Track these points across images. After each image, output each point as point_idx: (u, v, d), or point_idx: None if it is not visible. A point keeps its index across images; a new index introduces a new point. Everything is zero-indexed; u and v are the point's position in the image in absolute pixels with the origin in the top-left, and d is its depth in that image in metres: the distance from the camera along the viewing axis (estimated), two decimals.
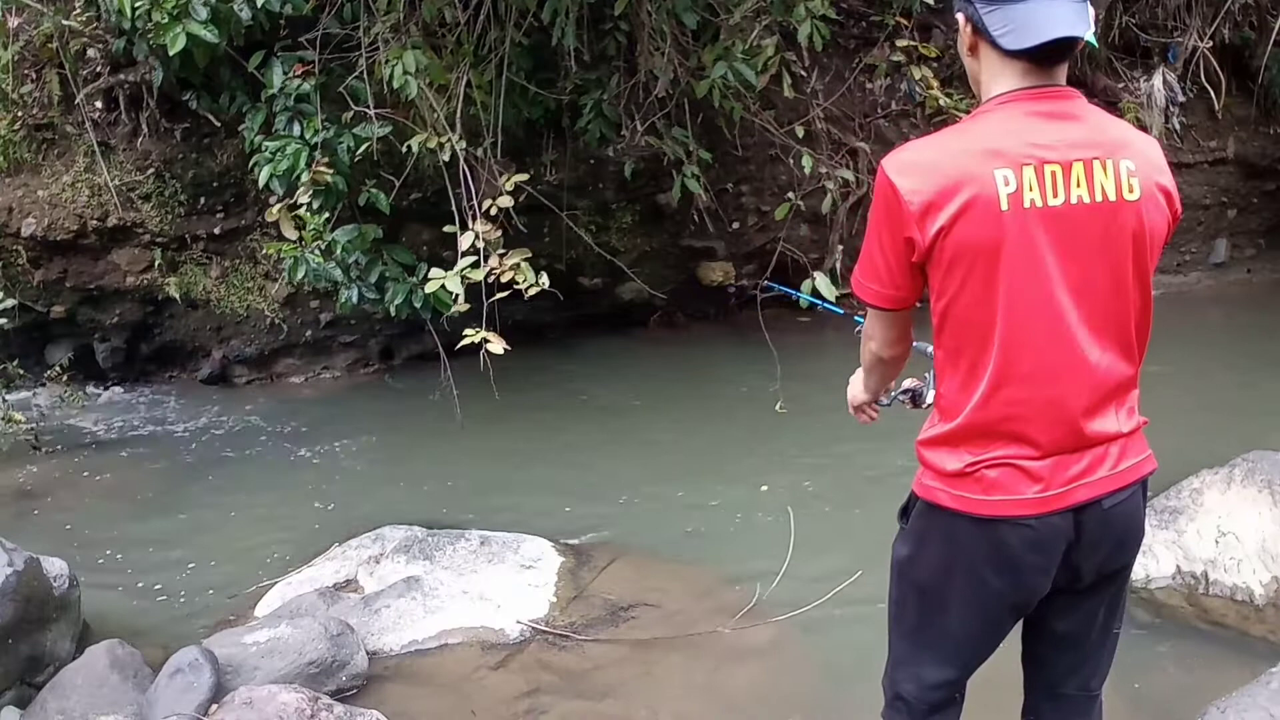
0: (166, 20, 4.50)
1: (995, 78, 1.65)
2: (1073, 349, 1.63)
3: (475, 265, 4.48)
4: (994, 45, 1.61)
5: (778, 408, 4.89)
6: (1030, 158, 1.57)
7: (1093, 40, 1.57)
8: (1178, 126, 7.10)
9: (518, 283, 4.45)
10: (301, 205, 4.83)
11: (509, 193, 4.73)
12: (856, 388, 2.10)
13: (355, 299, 5.16)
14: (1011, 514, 1.66)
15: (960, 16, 1.68)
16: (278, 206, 4.93)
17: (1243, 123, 7.44)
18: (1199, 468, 3.57)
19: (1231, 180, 7.58)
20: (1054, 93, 1.62)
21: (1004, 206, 1.56)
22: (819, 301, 3.21)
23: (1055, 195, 1.57)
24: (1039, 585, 1.73)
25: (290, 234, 4.91)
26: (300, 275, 4.96)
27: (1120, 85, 6.94)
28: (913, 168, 1.59)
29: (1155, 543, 3.35)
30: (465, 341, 4.36)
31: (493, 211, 4.69)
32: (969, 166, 1.57)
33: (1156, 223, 1.65)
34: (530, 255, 4.59)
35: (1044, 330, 1.61)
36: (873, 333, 1.84)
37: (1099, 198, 1.59)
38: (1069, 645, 1.85)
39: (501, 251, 4.53)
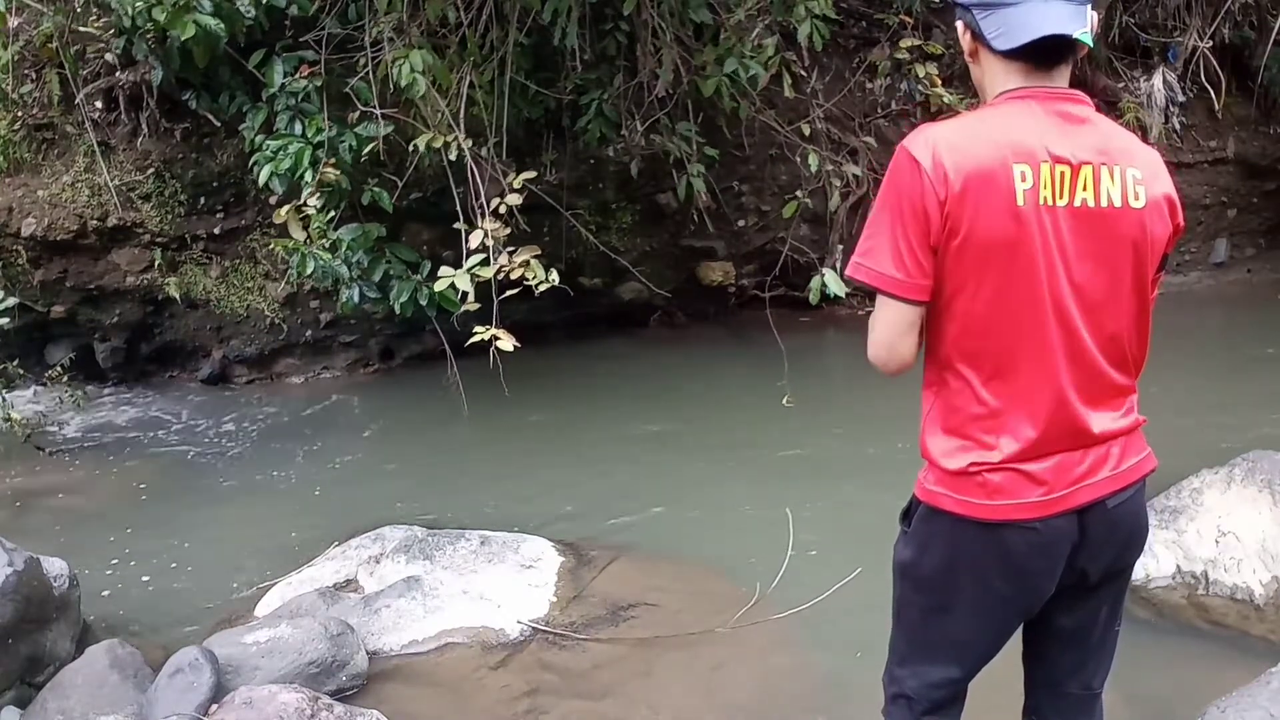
0: (170, 12, 4.51)
1: (996, 81, 1.67)
2: (1079, 348, 1.65)
3: (485, 263, 4.48)
4: (990, 49, 1.64)
5: (785, 401, 4.90)
6: (1045, 156, 1.58)
7: (1087, 39, 1.57)
8: (1178, 126, 7.09)
9: (527, 279, 4.43)
10: (310, 207, 4.83)
11: (517, 190, 4.73)
12: None
13: (356, 299, 5.14)
14: (1015, 518, 1.67)
15: (960, 24, 1.70)
16: (285, 209, 4.92)
17: (1243, 123, 7.44)
18: (1199, 468, 3.56)
19: (1231, 180, 7.58)
20: (1065, 95, 1.64)
21: (1021, 202, 1.57)
22: None
23: (1062, 196, 1.59)
24: (1044, 588, 1.73)
25: (298, 234, 4.90)
26: (309, 270, 4.95)
27: (1120, 85, 6.94)
28: (935, 147, 1.59)
29: (1155, 542, 3.35)
30: (475, 339, 4.34)
31: (501, 210, 4.69)
32: (989, 155, 1.57)
33: (1158, 232, 1.67)
34: (539, 252, 4.58)
35: (1052, 329, 1.62)
36: (884, 339, 1.67)
37: (1104, 203, 1.61)
38: (1073, 643, 1.86)
39: (511, 249, 4.52)
